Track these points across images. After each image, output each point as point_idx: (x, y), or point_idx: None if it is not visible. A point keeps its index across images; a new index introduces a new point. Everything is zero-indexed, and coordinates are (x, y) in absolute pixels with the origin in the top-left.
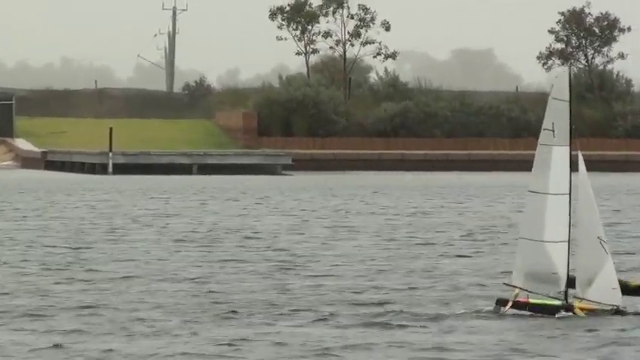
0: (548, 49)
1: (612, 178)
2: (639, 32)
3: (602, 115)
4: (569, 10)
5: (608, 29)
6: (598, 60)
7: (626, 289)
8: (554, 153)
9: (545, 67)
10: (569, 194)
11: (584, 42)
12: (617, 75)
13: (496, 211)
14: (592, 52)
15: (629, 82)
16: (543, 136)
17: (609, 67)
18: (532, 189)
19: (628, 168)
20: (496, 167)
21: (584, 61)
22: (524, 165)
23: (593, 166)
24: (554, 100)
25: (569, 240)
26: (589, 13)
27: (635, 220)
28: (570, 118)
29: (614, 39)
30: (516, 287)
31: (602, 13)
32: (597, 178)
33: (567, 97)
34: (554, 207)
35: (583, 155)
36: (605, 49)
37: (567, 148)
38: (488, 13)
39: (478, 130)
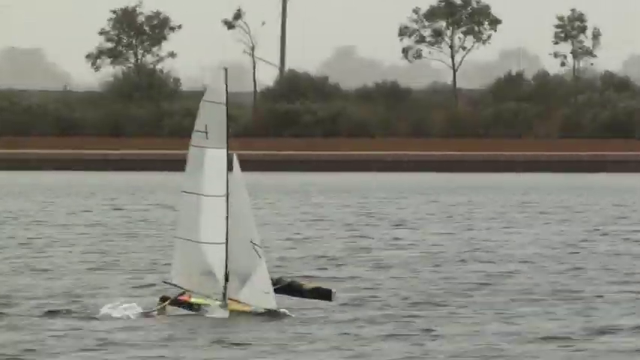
0: (97, 49)
1: None
2: (190, 31)
3: (149, 114)
4: (121, 9)
5: (158, 28)
6: (149, 59)
7: (301, 292)
8: (208, 155)
9: (94, 66)
10: (227, 196)
11: (134, 41)
12: (166, 74)
13: None
14: (142, 51)
15: (177, 81)
16: (195, 138)
17: (159, 66)
18: (186, 189)
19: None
20: None
21: (133, 61)
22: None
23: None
24: (207, 102)
25: (226, 242)
26: (140, 12)
27: None
28: (227, 120)
29: (165, 37)
30: (175, 286)
31: (153, 12)
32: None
33: (223, 100)
34: (210, 208)
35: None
36: (155, 48)
37: (223, 150)
38: (37, 12)
39: (26, 127)
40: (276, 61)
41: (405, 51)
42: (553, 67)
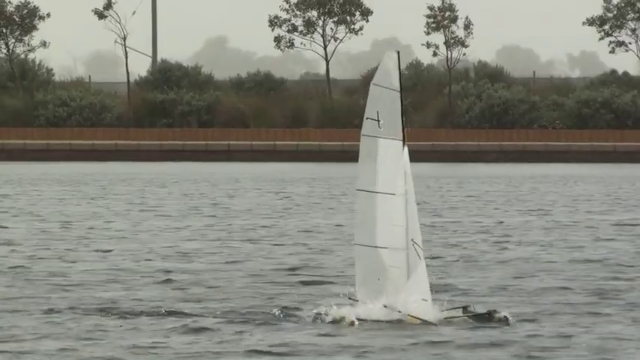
0: None
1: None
2: (61, 21)
3: (23, 105)
4: None
5: (28, 17)
6: (20, 49)
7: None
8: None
9: None
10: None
11: (4, 31)
12: (38, 64)
13: None
14: (13, 41)
15: (49, 71)
16: (368, 126)
17: (31, 55)
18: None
19: (49, 157)
20: None
21: (5, 51)
22: None
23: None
24: (377, 86)
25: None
26: (9, 2)
27: None
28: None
29: (35, 27)
30: (358, 301)
31: (22, 2)
32: None
33: (397, 85)
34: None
35: None
36: (26, 38)
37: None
38: None
39: None
40: (149, 51)
41: (276, 41)
42: (426, 58)
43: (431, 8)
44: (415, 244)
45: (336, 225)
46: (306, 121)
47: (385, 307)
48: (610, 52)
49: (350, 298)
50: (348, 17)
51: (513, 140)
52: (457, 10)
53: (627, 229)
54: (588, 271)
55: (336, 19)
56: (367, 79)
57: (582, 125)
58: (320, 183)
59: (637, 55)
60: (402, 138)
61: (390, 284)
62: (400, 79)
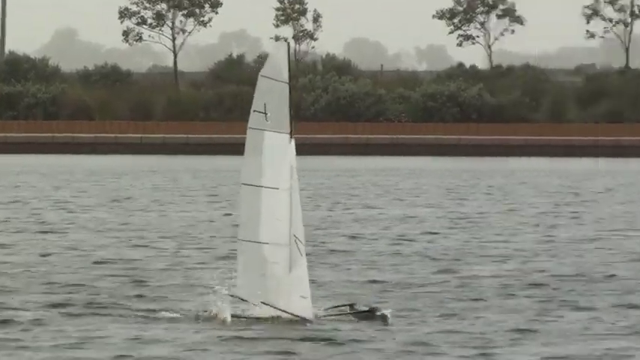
0: None
1: None
2: None
3: None
4: None
5: None
6: None
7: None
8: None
9: None
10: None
11: None
12: None
13: None
14: None
15: None
16: (254, 119)
17: None
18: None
19: None
20: None
21: None
22: None
23: None
24: (265, 78)
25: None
26: None
27: None
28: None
29: None
30: (241, 299)
31: None
32: None
33: (285, 77)
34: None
35: None
36: None
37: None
38: None
39: None
40: None
41: (125, 34)
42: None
43: (280, 1)
44: (297, 240)
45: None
46: (152, 113)
47: (263, 303)
48: (457, 45)
49: (231, 296)
50: (197, 10)
51: (358, 133)
52: (306, 3)
53: (459, 221)
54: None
55: (185, 11)
56: (215, 71)
57: (428, 118)
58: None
59: (484, 49)
60: (289, 131)
61: (271, 280)
62: (290, 70)
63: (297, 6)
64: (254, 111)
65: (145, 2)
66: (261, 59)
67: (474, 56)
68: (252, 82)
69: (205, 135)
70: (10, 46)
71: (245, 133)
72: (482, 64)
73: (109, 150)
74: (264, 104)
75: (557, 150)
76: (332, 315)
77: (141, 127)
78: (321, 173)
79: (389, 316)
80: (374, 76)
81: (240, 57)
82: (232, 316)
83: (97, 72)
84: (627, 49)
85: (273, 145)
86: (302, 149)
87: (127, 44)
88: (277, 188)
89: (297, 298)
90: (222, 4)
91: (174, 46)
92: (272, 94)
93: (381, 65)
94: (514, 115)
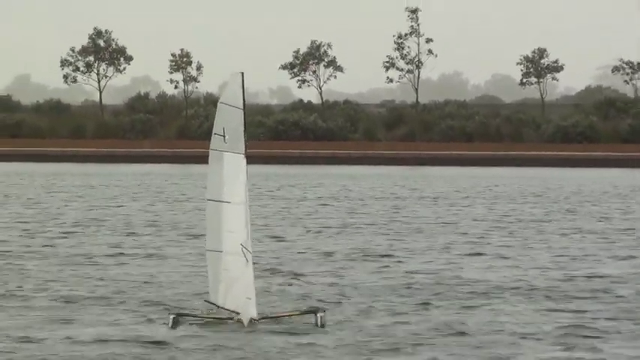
0: None
1: None
2: None
3: None
4: None
5: None
6: None
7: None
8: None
9: None
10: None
11: None
12: None
13: None
14: None
15: None
16: (215, 141)
17: None
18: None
19: None
20: None
21: None
22: None
23: None
24: (224, 105)
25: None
26: None
27: None
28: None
29: None
30: (216, 305)
31: None
32: None
33: (240, 104)
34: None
35: None
36: None
37: (241, 155)
38: None
39: None
40: None
41: (65, 77)
42: (170, 90)
43: (173, 55)
44: (244, 249)
45: None
46: (85, 134)
47: (206, 301)
48: (298, 87)
49: (206, 301)
50: (115, 61)
51: None
52: (192, 57)
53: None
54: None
55: (107, 62)
56: (128, 104)
57: (279, 138)
58: None
59: (317, 89)
60: (243, 152)
61: (225, 285)
62: (244, 98)
63: (185, 59)
64: (215, 134)
65: (78, 55)
66: (161, 97)
67: (309, 94)
68: (155, 112)
69: (124, 149)
70: None
71: (139, 148)
72: (315, 99)
73: (61, 159)
74: (223, 128)
75: (372, 160)
76: (270, 317)
77: (76, 143)
78: None
79: (323, 316)
80: None
81: (146, 94)
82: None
83: (45, 105)
84: (417, 90)
85: (230, 164)
86: (189, 160)
87: (67, 84)
88: (234, 202)
89: (242, 300)
90: (133, 57)
91: (99, 86)
92: (229, 119)
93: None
94: (339, 135)
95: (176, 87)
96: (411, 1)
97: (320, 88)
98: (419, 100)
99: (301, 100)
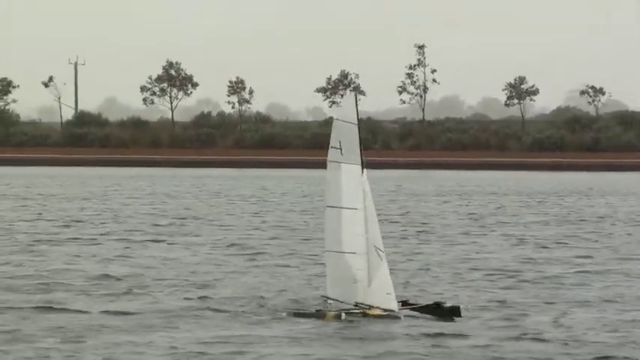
0: None
1: None
2: None
3: None
4: None
5: None
6: None
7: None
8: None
9: None
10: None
11: None
12: None
13: None
14: None
15: None
16: (331, 154)
17: None
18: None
19: None
20: None
21: None
22: None
23: None
24: (339, 121)
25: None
26: None
27: None
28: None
29: None
30: (331, 299)
31: None
32: None
33: (355, 120)
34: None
35: None
36: None
37: (357, 165)
38: None
39: None
40: None
41: (144, 100)
42: (227, 109)
43: (230, 81)
44: (377, 249)
45: None
46: (162, 143)
47: (358, 304)
48: (329, 107)
49: (322, 297)
50: (184, 87)
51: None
52: (245, 83)
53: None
54: None
55: (177, 87)
56: (195, 121)
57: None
58: None
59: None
60: (360, 162)
61: (356, 283)
62: (357, 114)
63: (239, 84)
64: (331, 147)
65: (154, 82)
66: (220, 115)
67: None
68: (215, 127)
69: (190, 156)
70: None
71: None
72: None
73: (141, 164)
74: (339, 141)
75: (389, 165)
76: (407, 310)
77: (153, 152)
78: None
79: (461, 307)
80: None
81: (209, 112)
82: (346, 313)
83: (128, 121)
84: (423, 109)
85: (347, 174)
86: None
87: (145, 105)
88: (355, 208)
89: (383, 296)
90: (198, 84)
91: (171, 107)
92: (344, 133)
93: (286, 116)
94: (363, 145)
95: (233, 107)
96: (419, 39)
97: None
98: (425, 117)
99: (332, 118)
